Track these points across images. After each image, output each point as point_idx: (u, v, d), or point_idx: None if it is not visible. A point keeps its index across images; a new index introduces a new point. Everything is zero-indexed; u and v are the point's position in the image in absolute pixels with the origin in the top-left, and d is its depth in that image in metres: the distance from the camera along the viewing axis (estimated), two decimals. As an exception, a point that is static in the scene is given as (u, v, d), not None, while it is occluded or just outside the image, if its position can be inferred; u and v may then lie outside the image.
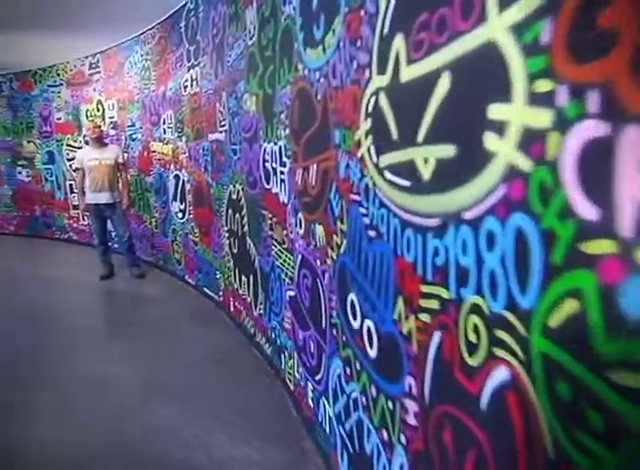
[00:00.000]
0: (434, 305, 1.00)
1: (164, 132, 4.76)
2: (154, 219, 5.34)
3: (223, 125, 3.46)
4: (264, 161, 2.67)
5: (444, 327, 0.95)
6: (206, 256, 4.21)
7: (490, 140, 0.76)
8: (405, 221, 1.12)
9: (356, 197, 1.47)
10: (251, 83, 2.82)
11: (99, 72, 6.00)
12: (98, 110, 6.09)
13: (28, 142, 7.34)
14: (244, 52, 2.93)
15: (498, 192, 0.75)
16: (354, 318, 1.58)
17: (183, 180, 4.50)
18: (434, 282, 0.99)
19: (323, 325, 1.99)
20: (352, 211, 1.53)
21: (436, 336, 0.99)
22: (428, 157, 0.98)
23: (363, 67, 1.36)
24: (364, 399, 1.55)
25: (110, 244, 5.25)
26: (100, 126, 5.00)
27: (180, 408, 2.59)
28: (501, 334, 0.77)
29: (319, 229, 1.90)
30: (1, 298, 4.57)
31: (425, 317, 1.05)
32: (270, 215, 2.68)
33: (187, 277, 4.76)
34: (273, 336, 2.88)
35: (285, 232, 2.44)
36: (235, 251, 3.52)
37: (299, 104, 2.06)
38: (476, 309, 0.83)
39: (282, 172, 2.39)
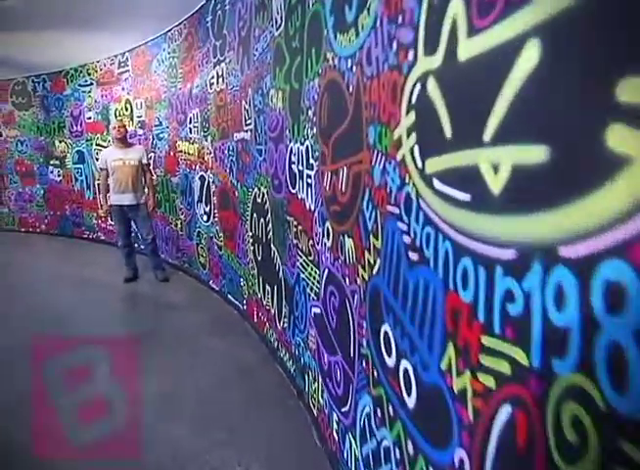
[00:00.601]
0: (502, 367, 0.72)
1: (190, 132, 4.59)
2: (179, 221, 5.19)
3: (249, 124, 3.23)
4: (290, 162, 2.43)
5: (518, 403, 0.68)
6: (231, 261, 4.01)
7: (620, 137, 0.49)
8: (461, 247, 0.85)
9: (394, 209, 1.21)
10: (278, 78, 2.58)
11: (127, 71, 5.90)
12: (126, 109, 6.00)
13: (60, 141, 7.34)
14: (270, 44, 2.70)
15: (634, 221, 0.47)
16: (389, 354, 1.31)
17: (208, 181, 4.32)
18: (503, 337, 0.72)
19: (351, 353, 1.72)
20: (389, 226, 1.26)
21: (504, 411, 0.72)
22: (499, 162, 0.71)
23: (406, 47, 1.09)
24: (398, 453, 1.28)
25: (134, 245, 5.12)
26: (125, 126, 4.87)
27: (195, 430, 2.37)
28: (628, 448, 0.49)
29: (349, 243, 1.64)
30: (21, 299, 4.49)
31: (487, 380, 0.77)
32: (295, 223, 2.43)
33: (211, 282, 4.57)
34: (297, 353, 2.63)
35: (311, 242, 2.19)
36: (259, 258, 3.29)
37: (328, 98, 1.81)
38: (579, 395, 0.55)
39: (309, 176, 2.14)
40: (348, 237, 1.64)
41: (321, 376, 2.21)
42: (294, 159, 2.37)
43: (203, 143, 4.33)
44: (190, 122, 4.58)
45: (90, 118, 6.73)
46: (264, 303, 3.28)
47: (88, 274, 5.36)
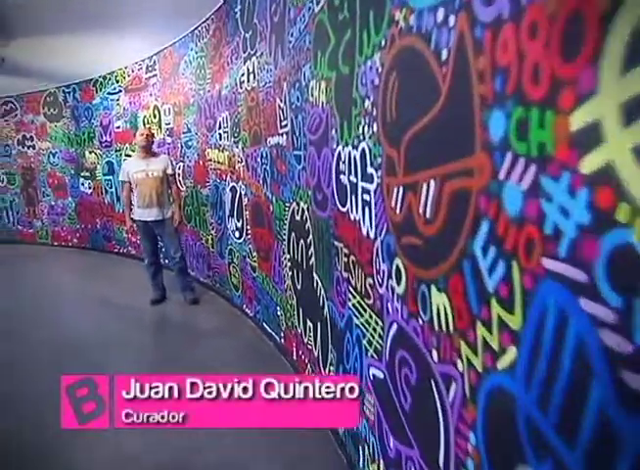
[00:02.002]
0: None
1: (220, 138, 4.10)
2: (210, 237, 4.71)
3: (284, 126, 2.69)
4: (338, 172, 1.85)
5: None
6: (266, 286, 3.47)
7: None
8: None
9: (567, 270, 0.61)
10: (320, 64, 2.02)
11: (155, 75, 5.51)
12: (154, 116, 5.60)
13: (90, 152, 7.05)
14: (309, 25, 2.15)
15: None
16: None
17: (240, 194, 3.81)
18: None
19: (440, 463, 1.13)
20: (548, 298, 0.66)
21: None
22: None
23: None
24: None
25: (161, 264, 4.66)
26: (152, 133, 4.43)
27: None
28: None
29: (440, 300, 1.05)
30: (38, 322, 4.10)
31: None
32: (346, 251, 1.85)
33: (245, 307, 4.05)
34: (348, 415, 2.04)
35: (369, 281, 1.60)
36: (299, 286, 2.74)
37: (399, 77, 1.23)
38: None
39: (366, 190, 1.57)
40: (439, 290, 1.05)
41: (384, 462, 1.62)
42: (343, 167, 1.80)
43: (233, 150, 3.83)
44: (219, 128, 4.09)
45: (119, 128, 6.39)
46: (305, 340, 2.72)
47: (113, 294, 4.95)
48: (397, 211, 1.28)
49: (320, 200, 2.15)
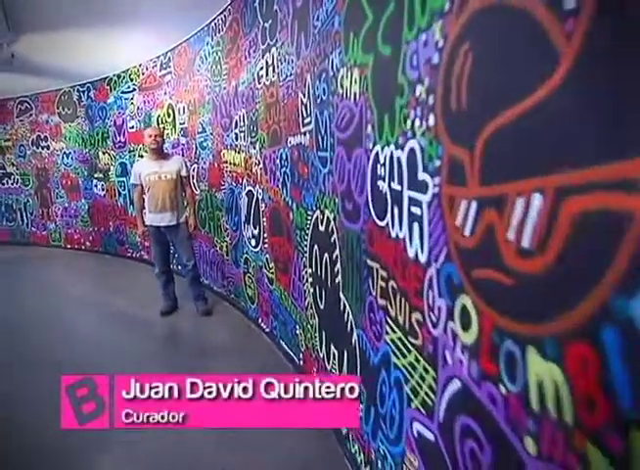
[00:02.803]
0: None
1: (236, 138, 3.80)
2: (224, 244, 4.41)
3: (307, 124, 2.37)
4: (375, 177, 1.52)
5: None
6: (284, 300, 3.15)
7: None
8: None
9: None
10: (352, 49, 1.69)
11: (170, 73, 5.24)
12: (168, 115, 5.34)
13: (104, 153, 6.84)
14: (338, 3, 1.82)
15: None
16: None
17: (257, 198, 3.50)
18: None
19: None
20: None
21: None
22: None
23: None
24: None
25: (173, 272, 4.38)
26: (162, 134, 4.15)
27: None
28: None
29: (544, 371, 0.71)
30: (38, 332, 3.84)
31: None
32: (384, 274, 1.52)
33: (260, 321, 3.74)
34: (380, 466, 1.71)
35: (417, 316, 1.27)
36: (321, 306, 2.41)
37: (477, 49, 0.89)
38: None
39: (415, 201, 1.23)
40: (545, 358, 0.71)
41: None
42: (381, 171, 1.47)
43: (250, 151, 3.52)
44: (235, 127, 3.79)
45: (133, 128, 6.16)
46: (328, 367, 2.39)
47: (121, 303, 4.69)
48: (466, 232, 0.95)
49: (350, 209, 1.82)
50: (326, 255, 2.23)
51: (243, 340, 3.67)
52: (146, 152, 5.55)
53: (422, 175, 1.17)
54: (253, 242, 3.67)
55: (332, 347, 2.30)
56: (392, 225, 1.40)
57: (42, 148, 7.77)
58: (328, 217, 2.15)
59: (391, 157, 1.37)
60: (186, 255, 4.22)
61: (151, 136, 4.04)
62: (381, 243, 1.52)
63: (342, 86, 1.84)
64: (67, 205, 7.66)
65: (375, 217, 1.56)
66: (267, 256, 3.39)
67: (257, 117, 3.28)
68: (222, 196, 4.32)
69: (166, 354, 3.46)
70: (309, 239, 2.49)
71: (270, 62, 2.96)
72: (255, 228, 3.59)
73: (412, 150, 1.22)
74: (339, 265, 2.06)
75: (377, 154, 1.50)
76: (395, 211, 1.37)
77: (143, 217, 4.18)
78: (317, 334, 2.54)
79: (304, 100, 2.39)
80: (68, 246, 7.78)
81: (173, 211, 4.08)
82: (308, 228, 2.49)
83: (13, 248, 8.07)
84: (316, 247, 2.39)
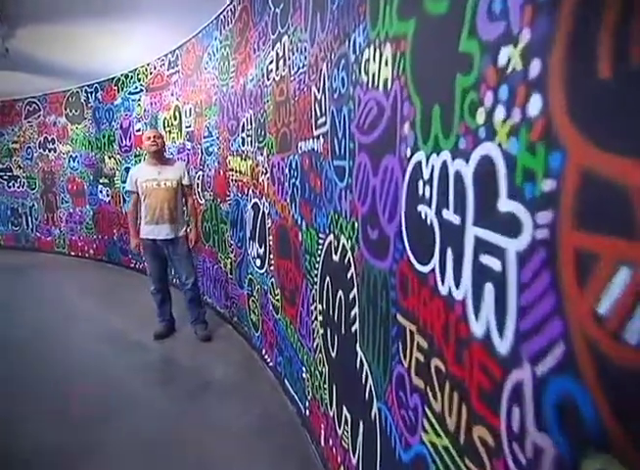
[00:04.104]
0: None
1: (243, 143, 3.35)
2: (229, 261, 3.94)
3: (321, 125, 1.89)
4: (414, 199, 1.03)
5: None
6: (289, 335, 2.66)
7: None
8: None
9: None
10: (383, 18, 1.21)
11: (177, 72, 4.83)
12: (175, 117, 4.92)
13: (110, 157, 6.47)
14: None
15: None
16: None
17: (263, 213, 3.03)
18: None
19: None
20: None
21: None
22: None
23: None
24: None
25: (170, 291, 3.93)
26: (162, 136, 3.71)
27: None
28: None
29: None
30: (17, 354, 3.41)
31: None
32: (423, 343, 1.02)
33: (264, 352, 3.25)
34: None
35: (482, 433, 0.76)
36: (333, 354, 1.91)
37: None
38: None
39: (490, 247, 0.73)
40: None
41: None
42: (425, 191, 0.98)
43: (257, 158, 3.06)
44: (242, 130, 3.34)
45: (139, 131, 5.76)
46: (339, 431, 1.88)
47: (116, 320, 4.26)
48: (617, 328, 0.44)
49: (375, 240, 1.33)
50: (340, 292, 1.74)
51: (245, 375, 3.18)
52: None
53: (507, 204, 0.68)
54: (258, 262, 3.19)
55: (344, 409, 1.80)
56: (442, 276, 0.90)
57: (49, 150, 7.46)
58: (344, 246, 1.66)
59: (444, 170, 0.88)
60: (185, 272, 3.76)
61: (150, 138, 3.61)
62: (420, 297, 1.03)
63: (366, 73, 1.36)
64: (71, 210, 7.32)
65: (412, 258, 1.06)
66: (273, 280, 2.91)
67: (266, 118, 2.82)
68: (227, 207, 3.86)
69: (156, 392, 2.99)
70: (320, 268, 2.01)
71: (281, 53, 2.49)
72: (261, 247, 3.11)
73: (487, 160, 0.73)
74: (356, 310, 1.56)
75: (418, 165, 1.01)
76: (449, 255, 0.87)
77: (138, 229, 3.75)
78: (327, 386, 2.04)
79: (319, 95, 1.91)
80: (72, 253, 7.43)
81: (172, 224, 3.64)
82: (319, 255, 2.00)
83: (17, 253, 7.76)
84: (328, 279, 1.90)
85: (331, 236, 1.82)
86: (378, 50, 1.27)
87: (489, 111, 0.73)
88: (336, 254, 1.76)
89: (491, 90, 0.72)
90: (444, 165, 0.88)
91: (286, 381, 2.81)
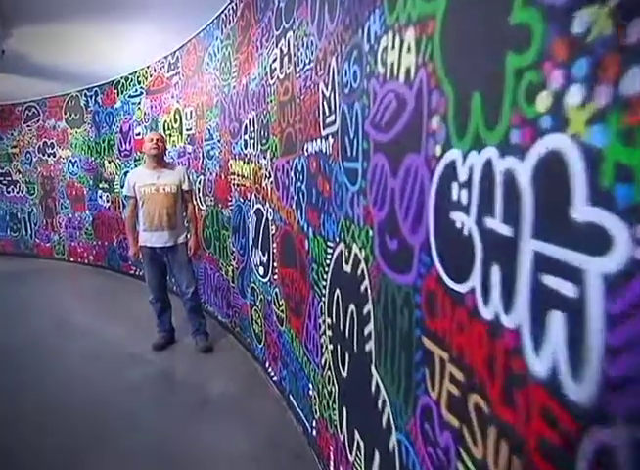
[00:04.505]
0: None
1: (245, 145, 3.20)
2: (230, 268, 3.79)
3: (330, 124, 1.74)
4: (446, 204, 0.88)
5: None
6: (295, 348, 2.51)
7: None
8: None
9: None
10: (403, 2, 1.06)
11: (178, 74, 4.70)
12: (175, 120, 4.79)
13: (109, 162, 6.33)
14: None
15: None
16: None
17: (267, 219, 2.87)
18: None
19: None
20: None
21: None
22: None
23: None
24: None
25: (169, 301, 3.77)
26: (163, 139, 3.56)
27: None
28: None
29: None
30: (17, 364, 3.25)
31: None
32: (458, 374, 0.86)
33: (268, 365, 3.09)
34: None
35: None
36: (343, 373, 1.75)
37: None
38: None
39: (558, 268, 0.57)
40: None
41: None
42: (461, 195, 0.83)
43: (260, 161, 2.91)
44: (245, 133, 3.20)
45: (139, 134, 5.63)
46: (351, 458, 1.72)
47: (115, 330, 4.11)
48: None
49: (394, 250, 1.18)
50: (352, 307, 1.58)
51: (248, 390, 3.02)
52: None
53: (587, 212, 0.52)
54: (261, 270, 3.04)
55: (356, 434, 1.64)
56: (486, 297, 0.75)
57: (48, 155, 7.34)
58: (357, 256, 1.50)
59: (488, 169, 0.72)
60: (185, 281, 3.61)
61: (152, 140, 3.46)
62: (454, 320, 0.87)
63: (383, 63, 1.21)
64: (71, 216, 7.18)
65: (443, 274, 0.91)
66: (277, 290, 2.75)
67: (269, 119, 2.67)
68: (229, 213, 3.71)
69: (151, 410, 2.82)
70: (329, 279, 1.85)
71: (285, 50, 2.35)
72: (264, 255, 2.96)
73: (554, 156, 0.57)
74: (371, 327, 1.41)
75: (451, 164, 0.86)
76: (495, 273, 0.72)
77: (136, 236, 3.60)
78: (336, 406, 1.88)
79: (327, 92, 1.76)
80: (72, 259, 7.29)
81: (171, 230, 3.50)
82: (328, 265, 1.85)
83: (16, 260, 7.63)
84: (338, 292, 1.75)
85: (341, 245, 1.67)
86: (397, 36, 1.12)
87: (557, 94, 0.58)
88: (347, 264, 1.61)
89: (560, 67, 0.57)
90: (488, 164, 0.73)
91: (291, 397, 2.65)
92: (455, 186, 0.85)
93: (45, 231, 7.62)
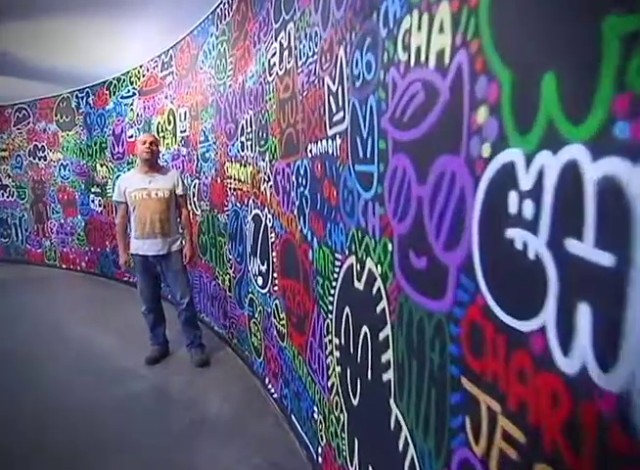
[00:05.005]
0: None
1: (242, 147, 3.01)
2: (227, 277, 3.60)
3: (337, 122, 1.56)
4: (500, 218, 0.68)
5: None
6: (297, 367, 2.31)
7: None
8: None
9: None
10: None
11: (171, 73, 4.51)
12: (169, 122, 4.59)
13: (101, 165, 6.13)
14: None
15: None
16: None
17: (266, 226, 2.69)
18: None
19: None
20: None
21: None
22: None
23: None
24: None
25: (163, 311, 3.58)
26: (157, 141, 3.36)
27: None
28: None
29: None
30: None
31: None
32: (520, 437, 0.67)
33: (267, 381, 2.90)
34: None
35: None
36: (354, 402, 1.56)
37: None
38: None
39: None
40: None
41: None
42: (521, 206, 0.64)
43: (258, 164, 2.72)
44: (242, 134, 3.01)
45: (132, 137, 5.43)
46: (364, 496, 1.53)
47: (106, 342, 3.92)
48: None
49: (422, 270, 0.99)
50: (365, 329, 1.39)
51: (246, 408, 2.82)
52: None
53: None
54: (260, 281, 2.85)
55: (371, 471, 1.45)
56: (565, 344, 0.56)
57: (39, 159, 7.13)
58: (371, 272, 1.32)
59: (570, 175, 0.54)
60: (180, 290, 3.42)
61: (145, 142, 3.27)
62: (511, 364, 0.68)
63: (405, 48, 1.03)
64: (62, 221, 6.97)
65: (493, 304, 0.72)
66: (277, 302, 2.56)
67: (268, 119, 2.49)
68: (225, 219, 3.52)
69: (141, 432, 2.62)
70: (337, 295, 1.66)
71: (285, 43, 2.16)
72: (263, 264, 2.77)
73: None
74: (390, 356, 1.22)
75: (508, 168, 0.67)
76: (584, 313, 0.53)
77: (127, 243, 3.41)
78: (346, 436, 1.69)
79: (334, 87, 1.58)
80: (64, 266, 7.07)
81: (165, 238, 3.30)
82: (335, 279, 1.66)
83: (6, 267, 7.40)
84: (348, 310, 1.56)
85: (352, 258, 1.48)
86: (426, 14, 0.93)
87: None
88: (359, 280, 1.42)
89: None
90: (572, 168, 0.55)
91: (293, 417, 2.46)
92: (514, 196, 0.66)
93: (36, 237, 7.40)
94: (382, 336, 1.27)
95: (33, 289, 6.01)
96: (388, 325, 1.22)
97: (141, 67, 5.14)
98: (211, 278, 3.96)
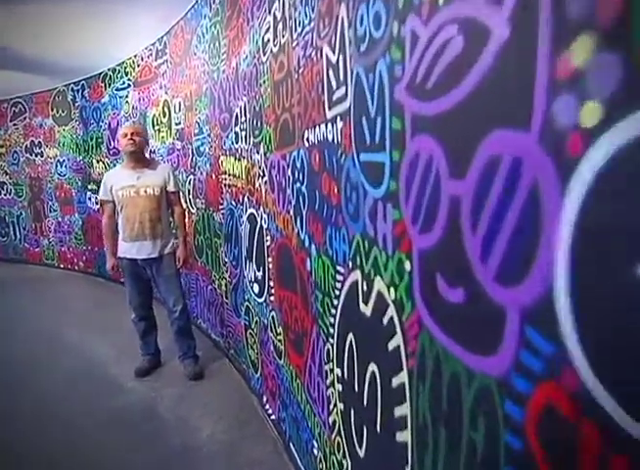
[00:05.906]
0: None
1: (236, 139, 2.70)
2: (224, 281, 3.29)
3: (339, 100, 1.23)
4: (603, 242, 0.35)
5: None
6: (296, 391, 2.00)
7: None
8: None
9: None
10: None
11: (165, 61, 4.20)
12: (164, 114, 4.29)
13: (98, 161, 5.86)
14: None
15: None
16: None
17: (261, 227, 2.37)
18: None
19: None
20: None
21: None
22: None
23: None
24: None
25: (155, 319, 3.28)
26: (139, 132, 3.05)
27: None
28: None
29: None
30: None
31: None
32: None
33: (265, 401, 2.59)
34: None
35: None
36: (360, 453, 1.24)
37: None
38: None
39: None
40: None
41: None
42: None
43: (252, 157, 2.41)
44: (236, 124, 2.69)
45: (127, 131, 5.13)
46: None
47: (97, 349, 3.67)
48: None
49: (459, 305, 0.66)
50: (373, 367, 1.07)
51: (242, 429, 2.52)
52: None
53: None
54: (256, 288, 2.54)
55: None
56: None
57: (36, 155, 6.88)
58: (381, 294, 0.99)
59: None
60: (172, 297, 3.12)
61: (126, 135, 2.96)
62: None
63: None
64: (60, 219, 6.72)
65: (601, 390, 0.39)
66: (274, 313, 2.25)
67: (262, 105, 2.17)
68: (220, 218, 3.21)
69: (124, 451, 2.33)
70: (339, 317, 1.34)
71: (280, 14, 1.84)
72: (259, 270, 2.45)
73: None
74: (406, 411, 0.90)
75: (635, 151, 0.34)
76: None
77: (114, 246, 3.12)
78: (351, 488, 1.37)
79: (333, 56, 1.25)
80: (62, 265, 6.83)
81: (155, 240, 3.01)
82: (337, 296, 1.34)
83: (4, 266, 7.18)
84: (352, 338, 1.24)
85: (356, 273, 1.16)
86: None
87: None
88: (365, 304, 1.10)
89: None
90: None
91: (292, 446, 2.15)
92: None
93: (34, 235, 7.16)
94: (395, 382, 0.95)
95: (30, 290, 5.77)
96: (405, 371, 0.90)
97: (135, 56, 4.85)
98: (208, 282, 3.66)
